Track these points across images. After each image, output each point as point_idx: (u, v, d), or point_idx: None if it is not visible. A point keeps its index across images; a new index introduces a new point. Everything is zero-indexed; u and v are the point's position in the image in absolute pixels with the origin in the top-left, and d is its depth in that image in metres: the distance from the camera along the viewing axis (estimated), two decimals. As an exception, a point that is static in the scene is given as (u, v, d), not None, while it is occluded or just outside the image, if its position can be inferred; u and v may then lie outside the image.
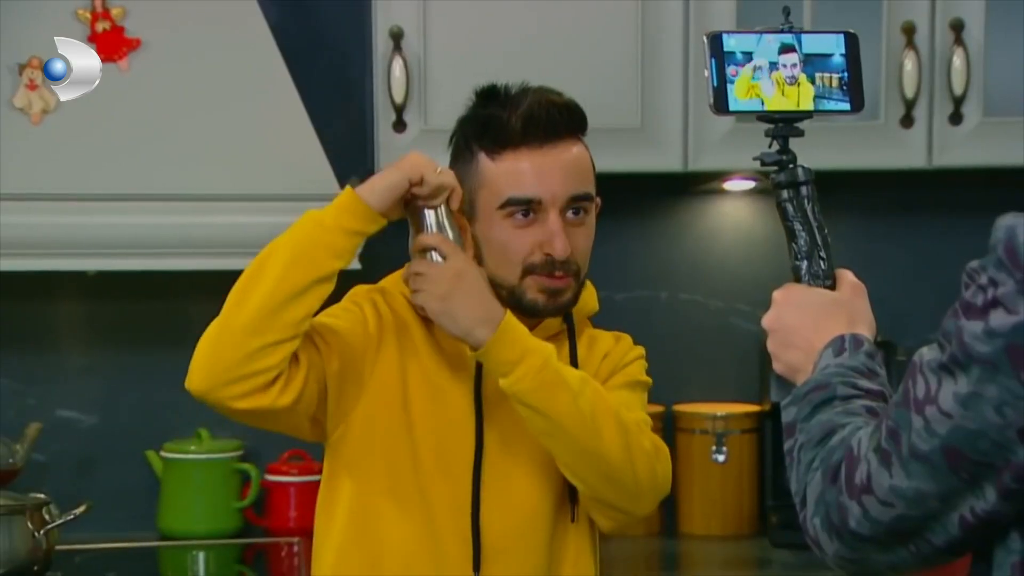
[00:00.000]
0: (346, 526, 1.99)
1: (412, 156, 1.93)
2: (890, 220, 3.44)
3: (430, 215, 1.94)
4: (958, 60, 3.05)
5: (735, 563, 3.18)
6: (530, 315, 2.00)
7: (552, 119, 1.98)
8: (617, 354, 2.08)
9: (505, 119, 1.97)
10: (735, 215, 3.44)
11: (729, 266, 3.43)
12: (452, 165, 2.04)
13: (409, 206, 1.94)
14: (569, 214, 1.99)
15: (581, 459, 1.93)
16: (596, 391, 1.93)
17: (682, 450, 3.30)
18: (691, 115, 3.06)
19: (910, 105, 3.06)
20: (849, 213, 3.37)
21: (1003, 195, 3.01)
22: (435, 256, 1.93)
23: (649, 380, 2.11)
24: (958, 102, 3.07)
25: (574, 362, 2.04)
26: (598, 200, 2.05)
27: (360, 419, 1.98)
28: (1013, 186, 3.11)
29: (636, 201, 3.35)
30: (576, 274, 2.00)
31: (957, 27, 3.05)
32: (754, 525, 3.29)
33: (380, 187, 1.91)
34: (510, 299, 1.99)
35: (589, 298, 2.11)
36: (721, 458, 3.27)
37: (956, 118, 3.08)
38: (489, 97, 2.02)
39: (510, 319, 1.91)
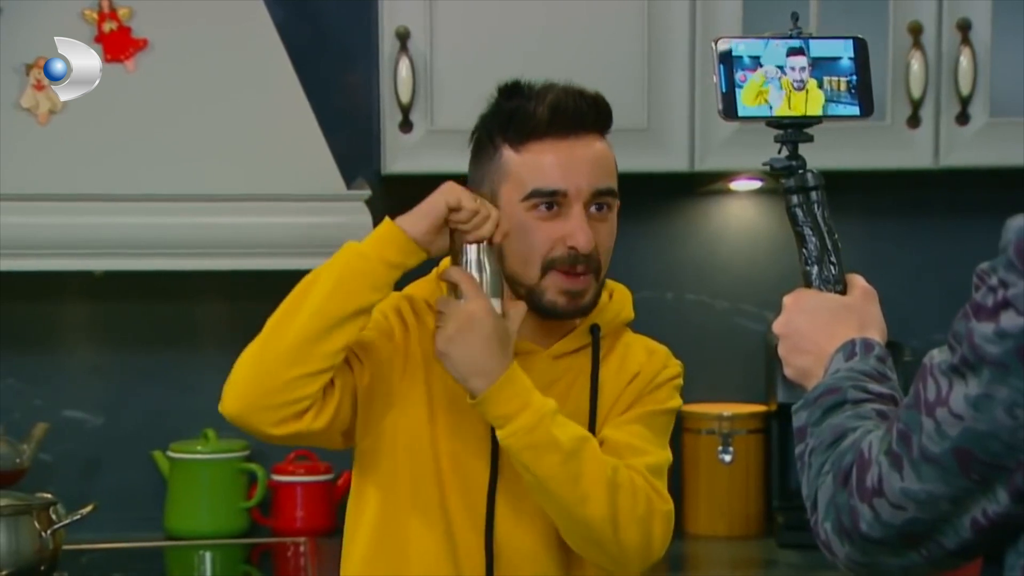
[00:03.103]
0: (372, 534, 2.00)
1: (448, 183, 1.91)
2: (896, 221, 3.44)
3: (471, 250, 1.91)
4: (965, 60, 3.05)
5: (741, 564, 3.18)
6: (549, 317, 1.98)
7: (579, 110, 1.96)
8: (647, 375, 2.03)
9: (531, 109, 1.95)
10: (741, 215, 3.44)
11: (735, 266, 3.43)
12: (473, 163, 2.03)
13: (453, 236, 1.92)
14: (592, 209, 1.96)
15: (564, 520, 1.92)
16: (592, 453, 1.90)
17: (688, 450, 3.30)
18: (697, 116, 3.06)
19: (916, 105, 3.06)
20: (855, 214, 3.37)
21: (1009, 195, 3.01)
22: (459, 292, 1.91)
23: (677, 404, 2.06)
24: (965, 102, 3.06)
25: (595, 381, 2.01)
26: (618, 203, 2.04)
27: (388, 430, 1.98)
28: (1019, 186, 3.11)
29: (642, 202, 3.34)
30: (596, 272, 1.97)
31: (964, 27, 3.05)
32: (760, 525, 3.29)
33: (420, 212, 1.89)
34: (529, 299, 1.96)
35: (624, 305, 2.08)
36: (727, 458, 3.26)
37: (963, 118, 3.08)
38: (513, 91, 2.00)
39: (513, 373, 1.88)
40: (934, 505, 1.31)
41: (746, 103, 1.62)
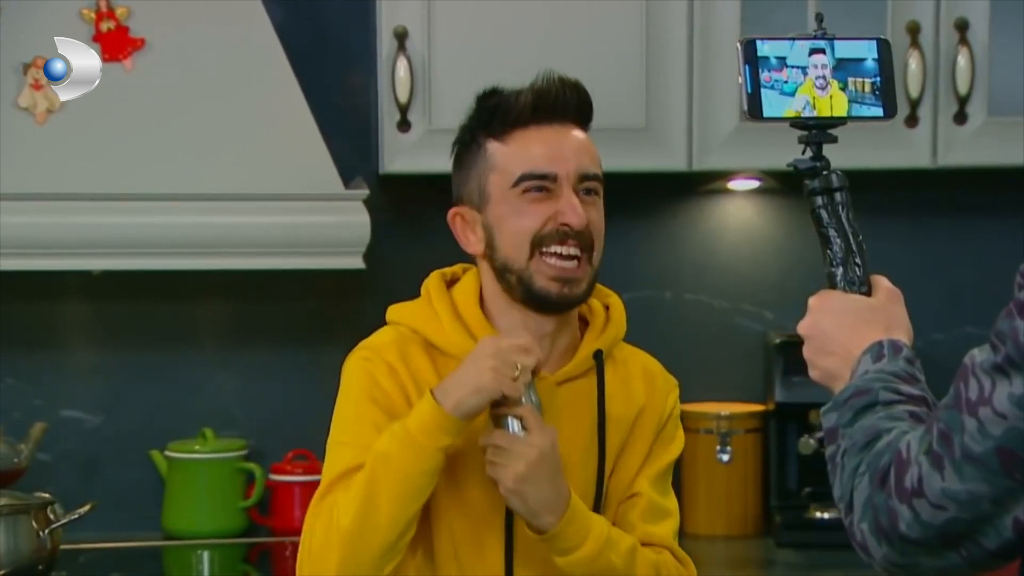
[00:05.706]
0: None
1: (489, 366, 1.85)
2: (895, 220, 3.43)
3: None
4: (962, 60, 3.05)
5: (739, 563, 3.18)
6: (542, 306, 1.96)
7: (562, 95, 1.96)
8: (655, 414, 2.04)
9: (514, 99, 1.96)
10: (740, 215, 3.44)
11: (734, 266, 3.43)
12: (457, 169, 2.02)
13: None
14: (581, 193, 1.96)
15: None
16: (641, 566, 1.93)
17: (687, 450, 3.27)
18: (695, 115, 3.06)
19: (915, 105, 3.06)
20: (854, 213, 3.36)
21: (1008, 195, 3.02)
22: (514, 425, 1.87)
23: (682, 439, 2.09)
24: (963, 102, 3.06)
25: (602, 408, 1.99)
26: (603, 193, 2.02)
27: None
28: (1018, 186, 3.11)
29: (640, 201, 3.35)
30: (590, 249, 1.95)
31: (961, 27, 3.05)
32: (758, 525, 3.29)
33: (467, 407, 1.85)
34: (519, 287, 1.94)
35: (622, 324, 2.05)
36: (725, 458, 3.26)
37: (961, 118, 3.08)
38: (491, 93, 2.00)
39: (576, 504, 1.88)
40: (976, 505, 1.30)
41: (772, 103, 1.61)
